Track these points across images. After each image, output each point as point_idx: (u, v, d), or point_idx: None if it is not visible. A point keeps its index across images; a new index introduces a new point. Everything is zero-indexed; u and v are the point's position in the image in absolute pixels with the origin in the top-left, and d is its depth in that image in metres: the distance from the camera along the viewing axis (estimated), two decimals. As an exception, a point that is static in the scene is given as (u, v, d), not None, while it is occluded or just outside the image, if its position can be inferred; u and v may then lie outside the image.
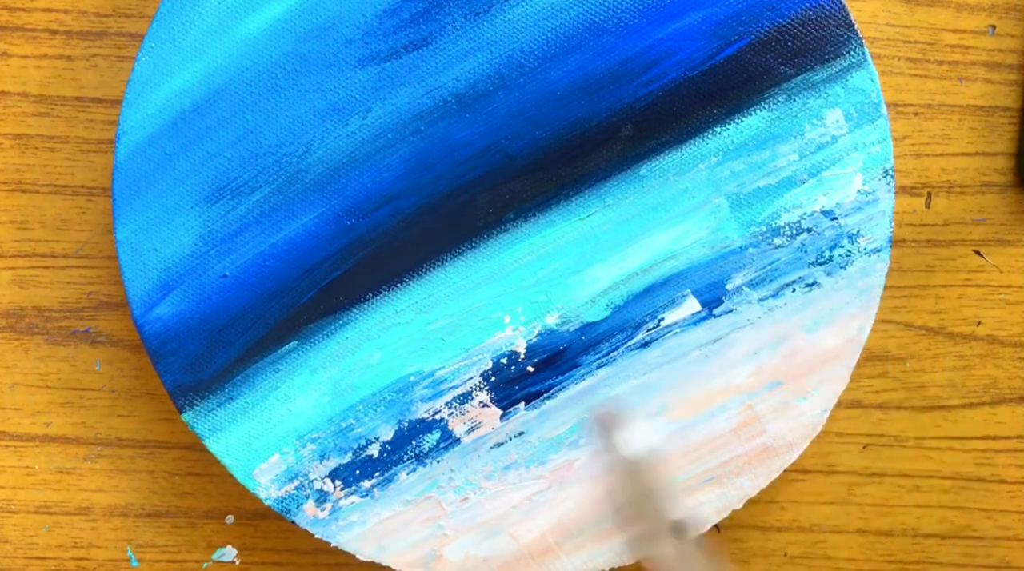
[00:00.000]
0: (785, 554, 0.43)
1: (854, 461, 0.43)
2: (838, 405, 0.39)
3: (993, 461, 0.43)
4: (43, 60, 0.43)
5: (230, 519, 0.43)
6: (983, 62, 0.43)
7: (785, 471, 0.39)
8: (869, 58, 0.37)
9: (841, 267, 0.38)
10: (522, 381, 0.39)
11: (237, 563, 0.43)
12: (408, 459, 0.39)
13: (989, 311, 0.43)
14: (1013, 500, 0.43)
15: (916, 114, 0.43)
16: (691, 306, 0.38)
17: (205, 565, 0.43)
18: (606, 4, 0.37)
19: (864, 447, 0.43)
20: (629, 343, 0.38)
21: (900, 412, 0.43)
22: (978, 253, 0.43)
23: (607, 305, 0.38)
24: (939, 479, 0.43)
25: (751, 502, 0.39)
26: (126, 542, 0.43)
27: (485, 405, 0.39)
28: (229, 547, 0.43)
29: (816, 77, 0.37)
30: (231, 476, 0.43)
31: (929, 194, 0.43)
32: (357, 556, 0.39)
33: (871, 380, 0.43)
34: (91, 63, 0.43)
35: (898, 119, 0.43)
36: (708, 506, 0.38)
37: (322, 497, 0.39)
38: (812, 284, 0.38)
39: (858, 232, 0.38)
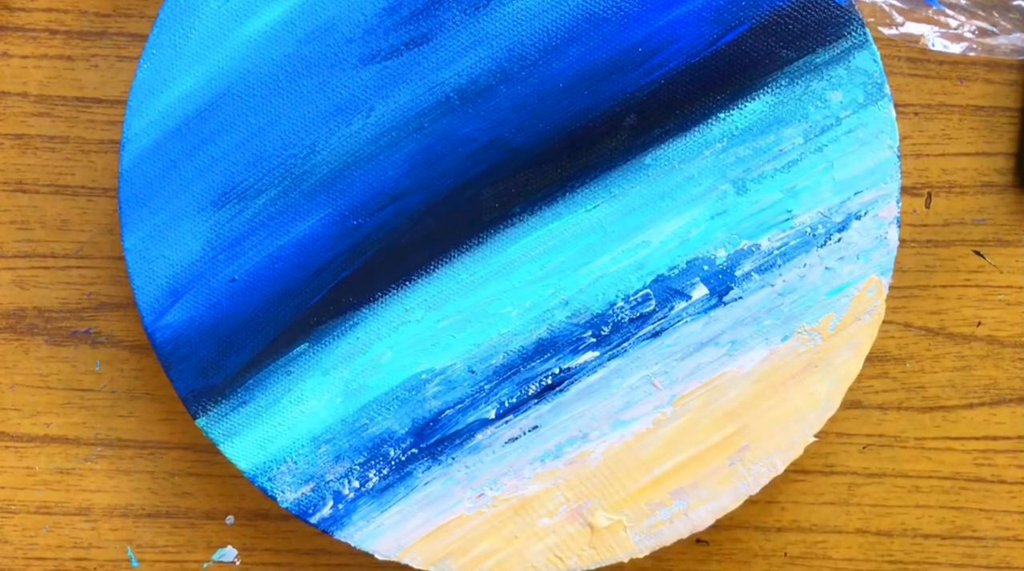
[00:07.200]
0: (785, 554, 0.43)
1: (854, 461, 0.43)
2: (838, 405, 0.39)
3: (993, 461, 0.43)
4: (43, 60, 0.43)
5: (230, 519, 0.43)
6: (983, 62, 0.43)
7: (785, 471, 0.39)
8: (870, 38, 0.37)
9: (849, 249, 0.38)
10: (534, 375, 0.39)
11: (237, 563, 0.43)
12: (423, 457, 0.39)
13: (989, 311, 0.43)
14: (1013, 500, 0.43)
15: (916, 114, 0.43)
16: (700, 294, 0.38)
17: (205, 565, 0.43)
18: (605, -6, 0.37)
19: (864, 447, 0.43)
20: (639, 333, 0.38)
21: (900, 412, 0.43)
22: (978, 253, 0.43)
23: (616, 296, 0.38)
24: (939, 479, 0.43)
25: (751, 502, 0.39)
26: (126, 542, 0.43)
27: (498, 401, 0.39)
28: (229, 547, 0.43)
29: (818, 59, 0.37)
30: (231, 476, 0.43)
31: (929, 194, 0.43)
32: (375, 556, 0.39)
33: (871, 380, 0.43)
34: (91, 63, 0.43)
35: (898, 119, 0.43)
36: (707, 504, 0.38)
37: (338, 498, 0.39)
38: (822, 268, 0.38)
39: (866, 213, 0.38)
